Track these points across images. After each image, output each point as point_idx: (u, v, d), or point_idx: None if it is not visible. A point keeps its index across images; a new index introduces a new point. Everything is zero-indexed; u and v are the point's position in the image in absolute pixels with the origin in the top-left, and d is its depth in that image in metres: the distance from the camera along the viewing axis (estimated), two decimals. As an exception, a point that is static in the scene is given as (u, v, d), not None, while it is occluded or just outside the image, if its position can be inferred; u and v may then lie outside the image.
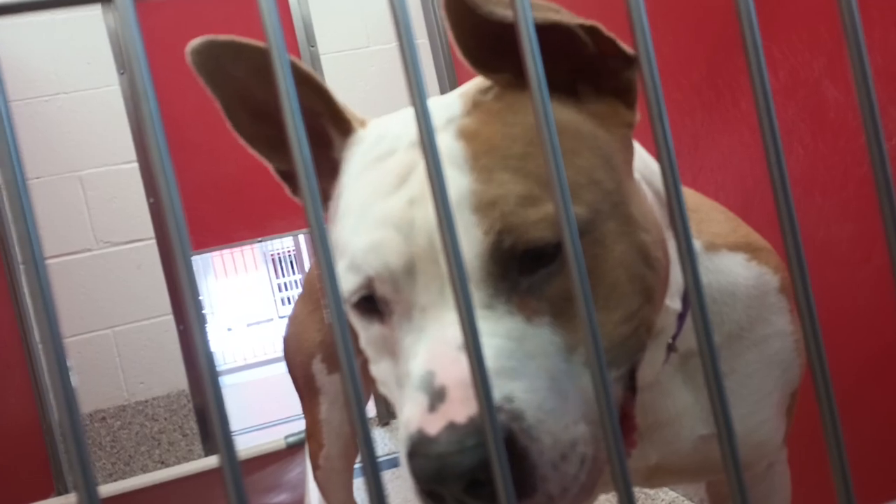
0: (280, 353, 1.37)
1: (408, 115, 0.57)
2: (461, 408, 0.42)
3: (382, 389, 0.58)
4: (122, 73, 2.55)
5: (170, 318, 2.66)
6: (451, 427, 0.42)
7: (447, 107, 0.55)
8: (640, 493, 1.67)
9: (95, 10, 2.52)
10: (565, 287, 0.48)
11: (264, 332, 6.86)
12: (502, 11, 0.48)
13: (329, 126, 0.62)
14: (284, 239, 5.44)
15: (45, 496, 2.13)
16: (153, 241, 2.64)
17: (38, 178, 2.60)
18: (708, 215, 0.74)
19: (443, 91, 2.61)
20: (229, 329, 7.81)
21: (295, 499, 1.76)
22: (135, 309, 2.69)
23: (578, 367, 0.48)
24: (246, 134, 0.62)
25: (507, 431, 0.42)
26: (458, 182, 0.49)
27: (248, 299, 8.14)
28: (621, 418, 0.54)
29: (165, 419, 2.73)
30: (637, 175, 0.59)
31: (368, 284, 0.51)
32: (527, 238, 0.47)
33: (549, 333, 0.48)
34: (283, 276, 8.67)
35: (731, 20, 0.37)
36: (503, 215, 0.47)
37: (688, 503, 1.62)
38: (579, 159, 0.51)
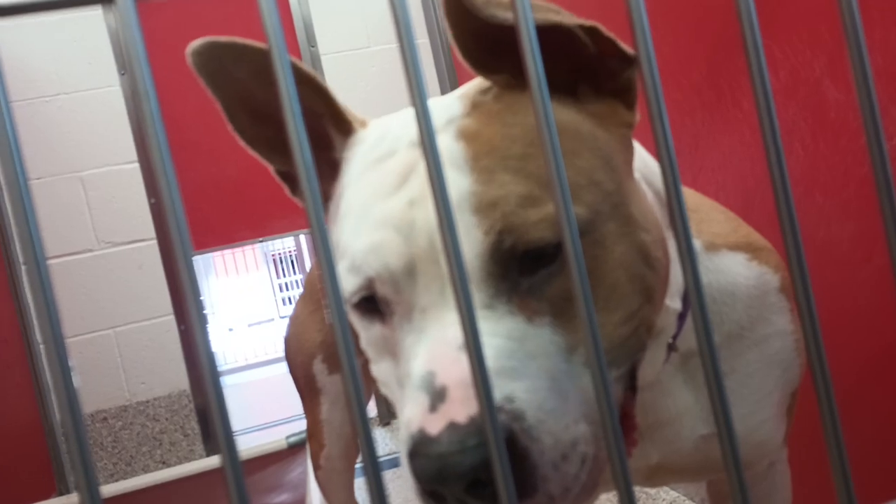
0: (281, 353, 1.37)
1: (408, 115, 0.57)
2: (462, 408, 0.42)
3: (383, 390, 0.58)
4: (123, 74, 2.55)
5: (171, 319, 2.66)
6: (452, 427, 0.42)
7: (447, 107, 0.55)
8: (640, 492, 1.67)
9: (96, 11, 2.52)
10: (566, 287, 0.48)
11: (265, 332, 6.85)
12: (503, 14, 0.48)
13: (330, 127, 0.62)
14: (285, 239, 5.44)
15: (47, 496, 2.14)
16: (154, 242, 2.64)
17: (39, 178, 2.60)
18: (708, 215, 0.74)
19: (443, 91, 2.61)
20: (230, 329, 7.80)
21: (296, 499, 1.76)
22: (136, 309, 2.69)
23: (579, 366, 0.48)
24: (246, 135, 0.62)
25: (508, 431, 0.42)
26: (459, 183, 0.49)
27: (249, 299, 8.13)
28: (622, 418, 0.54)
29: (167, 419, 2.73)
30: (637, 175, 0.59)
31: (369, 285, 0.52)
32: (527, 238, 0.47)
33: (550, 333, 0.48)
34: (284, 276, 8.67)
35: (732, 20, 0.37)
36: (503, 216, 0.47)
37: (689, 503, 1.61)
38: (579, 160, 0.51)
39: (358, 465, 1.34)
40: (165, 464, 2.71)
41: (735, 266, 0.70)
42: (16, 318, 2.45)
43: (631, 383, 0.54)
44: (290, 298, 8.24)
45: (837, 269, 1.00)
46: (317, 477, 1.30)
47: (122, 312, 2.69)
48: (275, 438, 1.82)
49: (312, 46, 2.63)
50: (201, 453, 2.68)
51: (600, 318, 0.49)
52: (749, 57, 0.36)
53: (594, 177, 0.51)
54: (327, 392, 1.24)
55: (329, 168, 0.62)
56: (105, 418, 2.68)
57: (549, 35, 0.49)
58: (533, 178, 0.49)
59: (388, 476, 2.07)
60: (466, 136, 0.52)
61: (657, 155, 0.35)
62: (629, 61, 0.55)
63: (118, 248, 2.68)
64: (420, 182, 0.51)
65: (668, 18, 1.26)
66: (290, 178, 0.66)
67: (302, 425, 1.39)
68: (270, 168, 0.65)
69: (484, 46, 0.52)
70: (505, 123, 0.52)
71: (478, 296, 0.48)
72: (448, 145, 0.51)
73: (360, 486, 1.56)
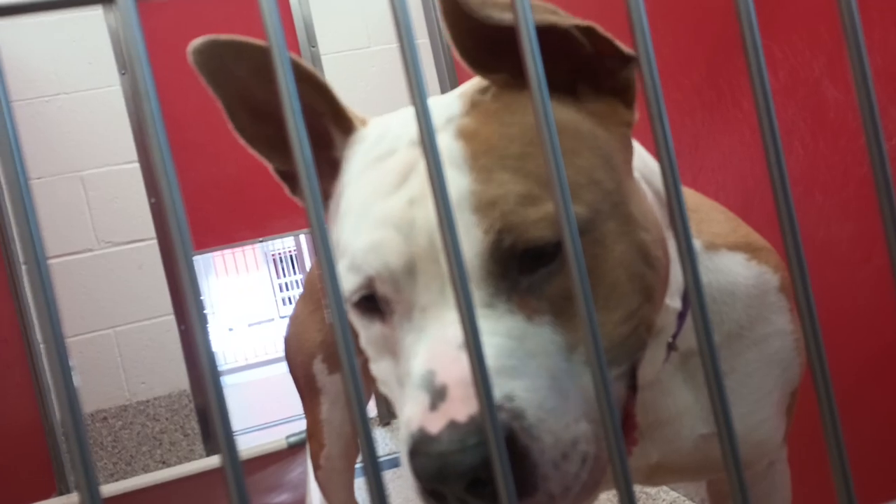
0: (281, 352, 1.37)
1: (408, 114, 0.57)
2: (462, 406, 0.42)
3: (383, 389, 0.58)
4: (124, 74, 2.55)
5: (171, 318, 2.66)
6: (453, 426, 0.42)
7: (446, 106, 0.55)
8: (640, 492, 1.67)
9: (96, 11, 2.52)
10: (565, 286, 0.48)
11: (265, 331, 6.85)
12: (499, 14, 0.48)
13: (330, 125, 0.62)
14: (285, 239, 5.44)
15: (47, 496, 2.14)
16: (154, 241, 2.64)
17: (39, 178, 2.60)
18: (708, 215, 0.74)
19: (443, 91, 2.61)
20: (230, 329, 7.80)
21: (296, 499, 1.76)
22: (136, 309, 2.69)
23: (579, 365, 0.48)
24: (247, 134, 0.62)
25: (508, 430, 0.42)
26: (458, 182, 0.49)
27: (249, 299, 8.13)
28: (622, 417, 0.54)
29: (167, 419, 2.73)
30: (636, 174, 0.59)
31: (369, 284, 0.52)
32: (527, 237, 0.47)
33: (550, 332, 0.48)
34: (284, 276, 8.66)
35: (732, 20, 0.37)
36: (503, 215, 0.48)
37: (689, 503, 1.62)
38: (579, 159, 0.51)
39: (358, 465, 1.34)
40: (165, 464, 2.71)
41: (735, 266, 0.70)
42: (16, 317, 2.45)
43: (631, 382, 0.54)
44: (290, 298, 8.24)
45: (837, 268, 1.00)
46: (317, 477, 1.30)
47: (123, 312, 2.69)
48: (275, 438, 1.82)
49: (313, 46, 2.63)
50: (201, 453, 2.68)
51: (600, 316, 0.49)
52: (748, 57, 0.36)
53: (594, 176, 0.51)
54: (327, 392, 1.24)
55: (329, 167, 0.62)
56: (105, 418, 2.68)
57: (548, 35, 0.49)
58: (532, 177, 0.49)
59: (388, 476, 2.07)
60: (465, 136, 0.52)
61: (657, 155, 0.35)
62: (627, 60, 0.55)
63: (118, 247, 2.68)
64: (420, 181, 0.51)
65: (668, 19, 1.26)
66: (289, 177, 0.66)
67: (302, 425, 1.39)
68: (270, 167, 0.65)
69: (482, 46, 0.52)
70: (503, 123, 0.52)
71: (478, 294, 0.48)
72: (447, 144, 0.51)
73: (360, 486, 1.56)
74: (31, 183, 0.29)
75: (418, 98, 0.31)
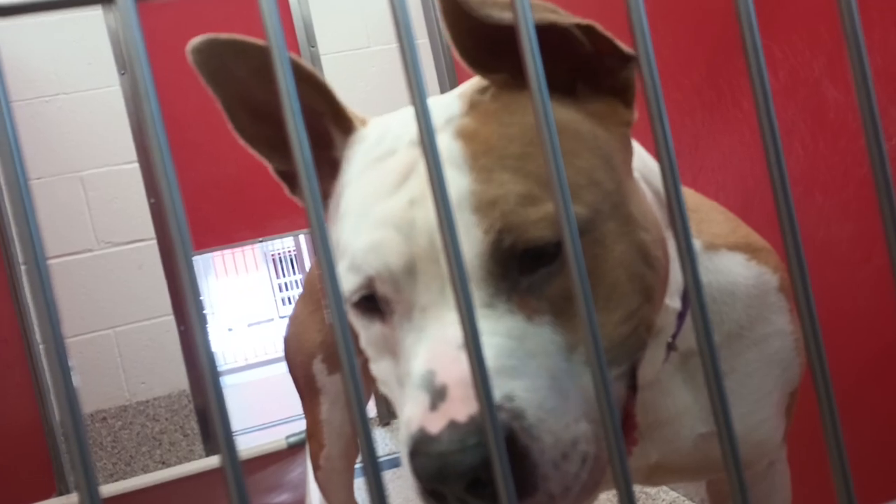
0: (281, 353, 1.37)
1: (408, 114, 0.57)
2: (462, 406, 0.42)
3: (383, 389, 0.58)
4: (123, 74, 2.56)
5: (171, 319, 2.66)
6: (453, 426, 0.42)
7: (446, 107, 0.55)
8: (640, 492, 1.67)
9: (96, 11, 2.52)
10: (565, 286, 0.48)
11: (265, 332, 6.85)
12: (498, 14, 0.48)
13: (330, 125, 0.62)
14: (285, 239, 5.44)
15: (47, 496, 2.14)
16: (154, 242, 2.64)
17: (39, 178, 2.60)
18: (708, 215, 0.75)
19: (443, 91, 2.60)
20: (230, 329, 7.80)
21: (296, 499, 1.76)
22: (136, 309, 2.69)
23: (579, 365, 0.48)
24: (247, 134, 0.62)
25: (508, 430, 0.42)
26: (458, 182, 0.49)
27: (248, 299, 8.13)
28: (622, 417, 0.54)
29: (166, 419, 2.73)
30: (636, 175, 0.59)
31: (369, 284, 0.52)
32: (527, 237, 0.47)
33: (550, 332, 0.48)
34: (284, 276, 8.67)
35: (732, 20, 0.37)
36: (503, 215, 0.48)
37: (689, 503, 1.62)
38: (579, 159, 0.51)
39: (358, 465, 1.34)
40: (165, 464, 2.70)
41: (734, 266, 0.70)
42: (16, 318, 2.45)
43: (631, 382, 0.54)
44: (289, 298, 8.24)
45: (837, 269, 1.00)
46: (316, 477, 1.30)
47: (122, 312, 2.69)
48: (274, 438, 1.82)
49: (312, 46, 2.63)
50: (201, 453, 2.68)
51: (600, 317, 0.49)
52: (748, 57, 0.36)
53: (594, 176, 0.51)
54: (327, 392, 1.24)
55: (329, 167, 0.62)
56: (105, 418, 2.68)
57: (547, 34, 0.49)
58: (532, 177, 0.49)
59: (388, 476, 2.07)
60: (464, 136, 0.52)
61: (657, 155, 0.35)
62: (627, 59, 0.55)
63: (118, 248, 2.68)
64: (420, 181, 0.51)
65: (668, 19, 1.26)
66: (289, 177, 0.66)
67: (302, 425, 1.39)
68: (269, 167, 0.65)
69: (482, 45, 0.52)
70: (502, 123, 0.52)
71: (478, 295, 0.48)
72: (447, 145, 0.51)
73: (360, 486, 1.56)
74: (30, 183, 0.29)
75: (418, 98, 0.31)
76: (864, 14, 0.44)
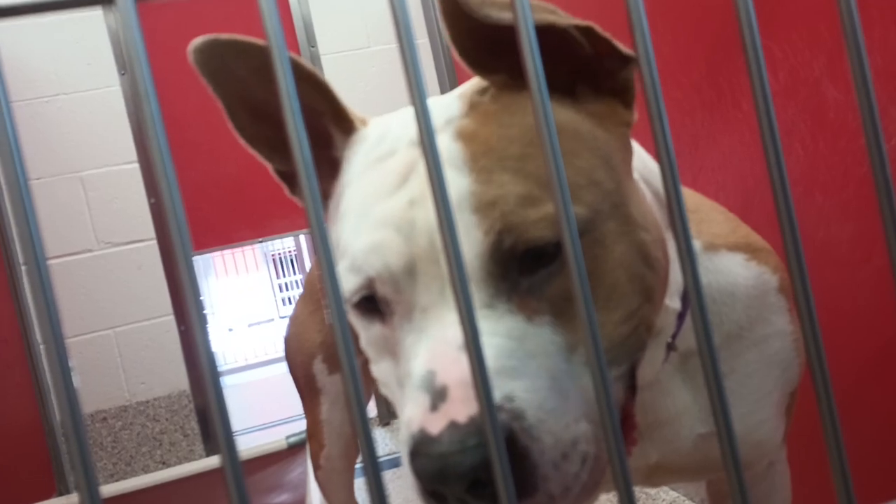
0: (281, 353, 1.37)
1: (408, 114, 0.57)
2: (462, 407, 0.43)
3: (383, 390, 0.58)
4: (123, 74, 2.56)
5: (171, 319, 2.66)
6: (453, 426, 0.42)
7: (446, 107, 0.55)
8: (640, 492, 1.67)
9: (96, 11, 2.52)
10: (565, 287, 0.48)
11: (265, 332, 6.85)
12: (497, 14, 0.48)
13: (331, 125, 0.62)
14: (285, 239, 5.44)
15: (47, 496, 2.14)
16: (154, 242, 2.64)
17: (38, 178, 2.60)
18: (707, 215, 0.74)
19: (443, 91, 2.61)
20: (230, 329, 7.80)
21: (296, 499, 1.76)
22: (136, 309, 2.69)
23: (579, 366, 0.48)
24: (247, 134, 0.62)
25: (508, 431, 0.42)
26: (458, 183, 0.49)
27: (248, 299, 8.13)
28: (622, 417, 0.54)
29: (167, 419, 2.73)
30: (636, 175, 0.59)
31: (369, 285, 0.52)
32: (527, 238, 0.47)
33: (550, 333, 0.48)
34: (284, 276, 8.67)
35: (731, 20, 0.37)
36: (503, 215, 0.48)
37: (689, 503, 1.61)
38: (578, 160, 0.51)
39: (358, 465, 1.34)
40: (165, 464, 2.70)
41: (734, 266, 0.70)
42: (16, 318, 2.45)
43: (630, 383, 0.54)
44: (289, 298, 8.24)
45: (837, 269, 1.00)
46: (317, 477, 1.30)
47: (122, 313, 2.69)
48: (275, 438, 1.82)
49: (312, 46, 2.63)
50: (201, 453, 2.68)
51: (600, 317, 0.49)
52: (748, 57, 0.36)
53: (593, 176, 0.51)
54: (327, 392, 1.24)
55: (329, 167, 0.62)
56: (105, 418, 2.68)
57: (547, 35, 0.49)
58: (532, 177, 0.49)
59: (388, 476, 2.07)
60: (464, 137, 0.52)
61: (657, 155, 0.35)
62: (626, 61, 0.55)
63: (118, 248, 2.68)
64: (420, 182, 0.51)
65: (668, 18, 1.26)
66: (289, 177, 0.66)
67: (302, 425, 1.39)
68: (269, 167, 0.65)
69: (481, 46, 0.52)
70: (502, 124, 0.52)
71: (478, 295, 0.48)
72: (447, 145, 0.51)
73: (360, 487, 1.56)
74: (30, 183, 0.29)
75: (418, 98, 0.31)
76: (864, 14, 0.44)
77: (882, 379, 0.98)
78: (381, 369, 0.56)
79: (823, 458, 0.37)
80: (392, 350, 0.53)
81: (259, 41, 0.54)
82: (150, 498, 1.72)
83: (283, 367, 1.36)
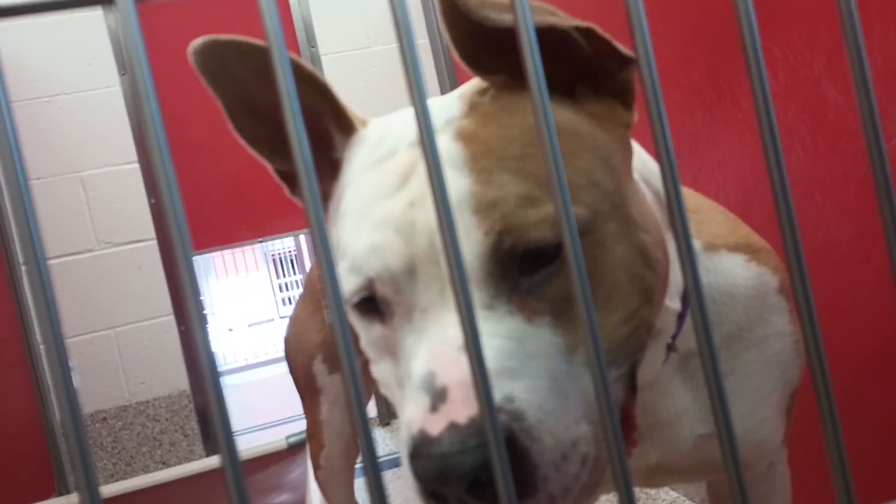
0: (281, 353, 1.37)
1: (409, 115, 0.57)
2: (462, 408, 0.43)
3: (383, 390, 0.58)
4: (123, 74, 2.56)
5: (171, 319, 2.66)
6: (453, 427, 0.42)
7: (446, 108, 0.55)
8: (640, 492, 1.67)
9: (96, 11, 2.52)
10: (566, 287, 0.48)
11: (265, 332, 6.85)
12: (497, 16, 0.48)
13: (331, 125, 0.62)
14: (285, 239, 5.44)
15: (47, 496, 2.14)
16: (154, 242, 2.64)
17: (39, 178, 2.60)
18: (707, 216, 0.74)
19: (443, 91, 2.61)
20: (230, 329, 7.80)
21: (296, 499, 1.76)
22: (136, 309, 2.69)
23: (579, 367, 0.48)
24: (247, 134, 0.62)
25: (508, 432, 0.42)
26: (458, 183, 0.49)
27: (248, 299, 8.13)
28: (622, 418, 0.54)
29: (167, 419, 2.73)
30: (636, 175, 0.59)
31: (369, 286, 0.52)
32: (527, 238, 0.47)
33: (550, 334, 0.48)
34: (284, 276, 8.67)
35: (731, 20, 0.37)
36: (503, 216, 0.48)
37: (689, 503, 1.62)
38: (578, 160, 0.51)
39: (358, 466, 1.34)
40: (165, 464, 2.70)
41: (734, 267, 0.70)
42: (16, 318, 2.45)
43: (631, 383, 0.54)
44: (289, 298, 8.24)
45: (837, 269, 1.00)
46: (317, 477, 1.30)
47: (122, 313, 2.69)
48: (275, 439, 1.82)
49: (312, 47, 2.63)
50: (201, 453, 2.68)
51: (600, 318, 0.49)
52: (748, 58, 0.36)
53: (593, 177, 0.51)
54: (327, 392, 1.24)
55: (329, 168, 0.62)
56: (105, 418, 2.68)
57: (547, 36, 0.49)
58: (532, 178, 0.49)
59: (388, 476, 2.07)
60: (464, 137, 0.52)
61: (657, 155, 0.35)
62: (626, 61, 0.55)
63: (118, 248, 2.68)
64: (420, 183, 0.51)
65: (668, 19, 1.26)
66: (289, 177, 0.66)
67: (302, 425, 1.39)
68: (270, 168, 0.65)
69: (481, 46, 0.52)
70: (501, 125, 0.52)
71: (478, 296, 0.48)
72: (447, 146, 0.51)
73: (360, 487, 1.56)
74: (30, 183, 0.29)
75: (418, 99, 0.31)
76: (863, 14, 0.44)
77: (882, 379, 0.98)
78: (381, 370, 0.56)
79: (823, 459, 0.37)
80: (392, 351, 0.53)
81: (259, 42, 0.54)
82: (150, 498, 1.72)
83: (283, 367, 1.36)
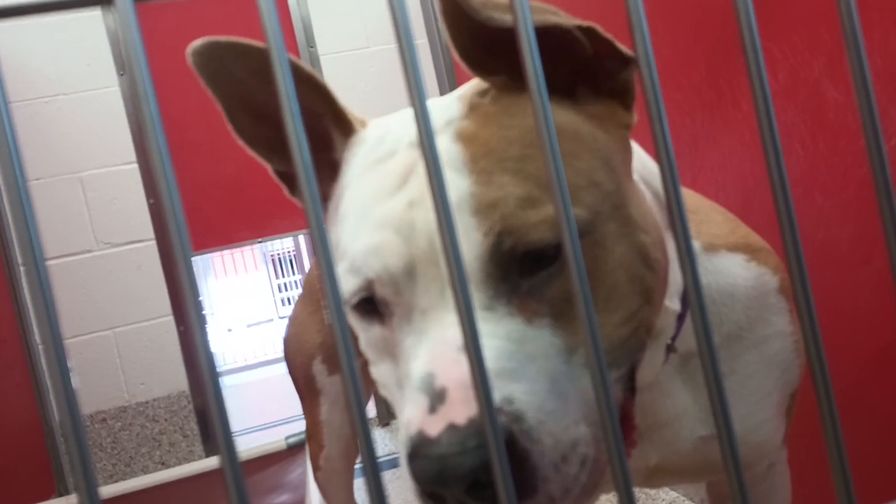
0: (280, 353, 1.37)
1: (407, 115, 0.57)
2: (462, 409, 0.42)
3: (383, 391, 0.58)
4: (122, 75, 2.56)
5: (170, 319, 2.66)
6: (452, 428, 0.42)
7: (445, 109, 0.55)
8: (640, 493, 1.67)
9: (95, 12, 2.52)
10: (565, 288, 0.48)
11: (264, 332, 6.85)
12: (500, 16, 0.48)
13: (330, 126, 0.62)
14: (284, 239, 5.44)
15: (46, 497, 2.14)
16: (153, 242, 2.64)
17: (38, 179, 2.60)
18: (707, 216, 0.74)
19: (442, 92, 2.61)
20: (229, 330, 7.80)
21: (296, 499, 1.76)
22: (135, 310, 2.69)
23: (579, 368, 0.48)
24: (246, 135, 0.62)
25: (508, 433, 0.42)
26: (458, 184, 0.49)
27: (248, 300, 8.13)
28: (621, 419, 0.54)
29: (166, 420, 2.73)
30: (636, 176, 0.59)
31: (368, 286, 0.52)
32: (527, 240, 0.47)
33: (550, 335, 0.48)
34: (284, 276, 8.67)
35: (731, 20, 0.36)
36: (503, 217, 0.47)
37: (688, 503, 1.62)
38: (578, 161, 0.51)
39: (357, 466, 1.34)
40: (165, 465, 2.70)
41: (734, 267, 0.70)
42: (15, 318, 2.45)
43: (630, 384, 0.54)
44: (289, 299, 8.25)
45: (837, 270, 1.00)
46: (316, 478, 1.30)
47: (121, 313, 2.69)
48: (274, 439, 1.82)
49: (311, 47, 2.63)
50: (201, 454, 2.68)
51: (600, 318, 0.49)
52: (748, 58, 0.36)
53: (593, 178, 0.51)
54: (327, 393, 1.24)
55: (328, 168, 0.62)
56: (104, 419, 2.68)
57: (547, 36, 0.49)
58: (532, 179, 0.49)
59: (388, 476, 2.07)
60: (464, 138, 0.52)
61: (656, 156, 0.35)
62: (627, 62, 0.55)
63: (117, 248, 2.68)
64: (420, 183, 0.51)
65: (668, 19, 1.26)
66: (288, 178, 0.66)
67: (301, 426, 1.39)
68: (269, 168, 0.65)
69: (481, 47, 0.52)
70: (501, 126, 0.52)
71: (477, 297, 0.48)
72: (446, 147, 0.51)
73: (360, 487, 1.56)
74: (29, 184, 0.29)
75: (417, 99, 0.31)
76: (863, 14, 0.44)
77: (882, 379, 0.98)
78: (380, 371, 0.56)
79: (823, 459, 0.37)
80: (391, 351, 0.53)
81: (258, 43, 0.54)
82: (150, 499, 1.72)
83: (283, 368, 1.36)
